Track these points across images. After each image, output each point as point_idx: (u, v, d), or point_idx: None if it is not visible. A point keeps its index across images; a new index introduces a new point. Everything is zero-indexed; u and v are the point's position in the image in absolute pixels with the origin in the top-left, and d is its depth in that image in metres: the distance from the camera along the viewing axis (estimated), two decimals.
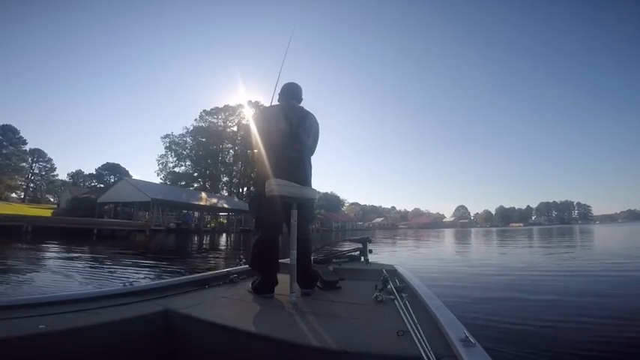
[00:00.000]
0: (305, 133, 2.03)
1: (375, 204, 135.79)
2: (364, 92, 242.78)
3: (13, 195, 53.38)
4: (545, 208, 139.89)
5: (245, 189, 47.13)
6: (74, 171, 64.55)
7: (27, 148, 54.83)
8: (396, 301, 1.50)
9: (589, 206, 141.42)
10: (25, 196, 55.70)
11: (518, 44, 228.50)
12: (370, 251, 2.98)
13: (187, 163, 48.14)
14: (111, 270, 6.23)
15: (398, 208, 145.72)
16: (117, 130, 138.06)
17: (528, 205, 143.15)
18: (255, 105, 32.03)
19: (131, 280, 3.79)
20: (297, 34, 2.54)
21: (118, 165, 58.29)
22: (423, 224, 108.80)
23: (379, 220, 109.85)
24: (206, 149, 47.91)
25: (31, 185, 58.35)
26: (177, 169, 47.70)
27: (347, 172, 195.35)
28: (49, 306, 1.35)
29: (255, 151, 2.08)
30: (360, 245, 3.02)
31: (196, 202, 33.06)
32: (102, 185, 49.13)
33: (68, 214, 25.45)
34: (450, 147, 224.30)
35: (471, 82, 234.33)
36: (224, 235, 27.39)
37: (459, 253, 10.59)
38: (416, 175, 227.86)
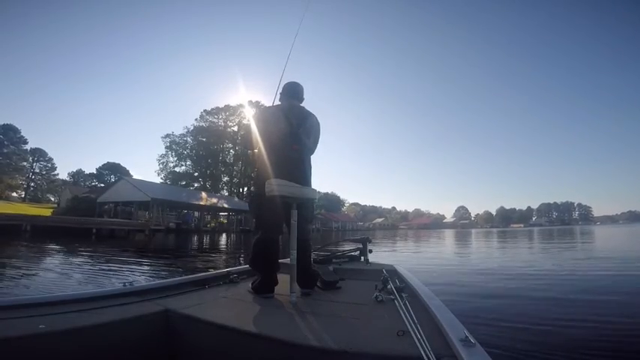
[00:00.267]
0: (305, 133, 2.02)
1: (376, 204, 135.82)
2: (364, 92, 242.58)
3: (14, 194, 53.41)
4: (546, 208, 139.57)
5: (245, 189, 47.11)
6: (75, 170, 65.02)
7: (28, 147, 55.06)
8: (396, 301, 1.50)
9: (590, 207, 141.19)
10: (25, 195, 55.76)
11: (519, 44, 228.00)
12: (370, 251, 2.97)
13: (188, 162, 48.25)
14: (111, 270, 6.22)
15: (398, 209, 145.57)
16: (117, 129, 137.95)
17: (529, 206, 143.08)
18: (256, 105, 31.98)
19: (131, 280, 3.79)
20: (297, 34, 2.52)
21: (119, 164, 58.54)
22: (423, 225, 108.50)
23: (379, 220, 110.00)
24: (206, 149, 47.97)
25: (32, 184, 58.41)
26: (177, 169, 47.87)
27: (347, 172, 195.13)
28: (49, 306, 1.34)
29: (255, 150, 2.08)
30: (360, 245, 3.02)
31: (196, 202, 33.11)
32: (102, 185, 49.17)
33: (68, 213, 25.50)
34: (451, 147, 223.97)
35: (471, 82, 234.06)
36: (224, 234, 27.39)
37: (459, 254, 10.59)
38: (416, 175, 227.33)
